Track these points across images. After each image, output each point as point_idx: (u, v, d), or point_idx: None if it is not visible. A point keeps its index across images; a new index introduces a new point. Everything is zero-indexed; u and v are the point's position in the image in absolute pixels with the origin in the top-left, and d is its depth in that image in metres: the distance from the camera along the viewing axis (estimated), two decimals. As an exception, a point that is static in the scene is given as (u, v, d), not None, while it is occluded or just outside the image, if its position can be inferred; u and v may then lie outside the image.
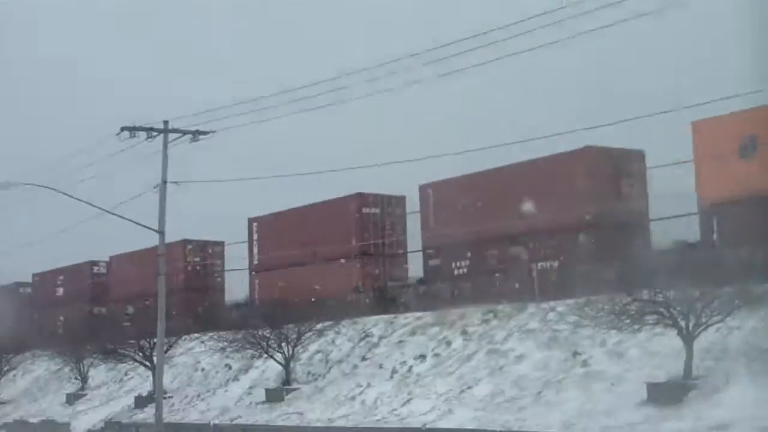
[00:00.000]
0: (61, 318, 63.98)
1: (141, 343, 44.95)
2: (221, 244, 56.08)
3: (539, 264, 37.38)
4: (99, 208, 40.58)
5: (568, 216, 36.18)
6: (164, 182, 40.08)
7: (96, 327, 52.97)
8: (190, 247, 55.49)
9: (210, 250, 56.06)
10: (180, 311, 51.26)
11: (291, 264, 47.26)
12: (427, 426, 30.03)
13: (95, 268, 64.01)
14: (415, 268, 45.05)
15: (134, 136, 39.54)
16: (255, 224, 50.98)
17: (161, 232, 40.57)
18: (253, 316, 42.80)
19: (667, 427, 23.52)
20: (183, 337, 47.74)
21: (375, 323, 40.52)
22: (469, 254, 40.73)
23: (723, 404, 23.43)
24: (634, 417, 24.87)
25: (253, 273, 50.68)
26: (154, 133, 39.84)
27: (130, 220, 39.83)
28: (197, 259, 55.71)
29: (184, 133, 40.06)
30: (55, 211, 51.88)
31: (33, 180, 41.53)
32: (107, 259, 62.85)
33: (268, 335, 39.66)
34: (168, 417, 40.74)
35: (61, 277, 66.45)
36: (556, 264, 37.07)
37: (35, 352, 58.95)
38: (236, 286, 54.04)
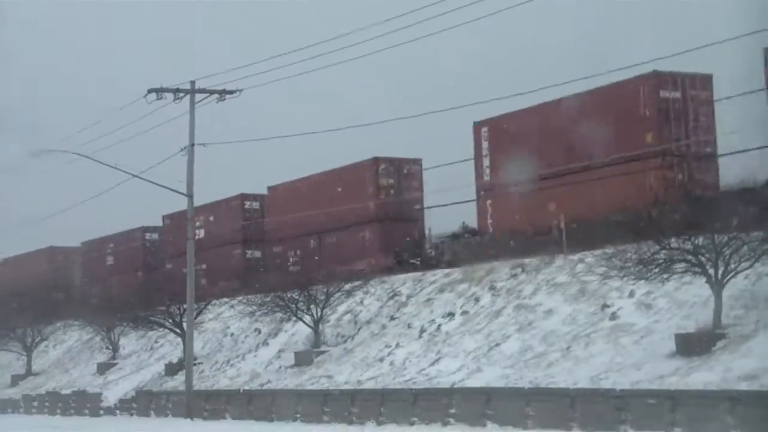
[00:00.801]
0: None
1: (171, 309, 44.76)
2: (419, 162, 46.58)
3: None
4: (128, 173, 40.49)
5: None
6: (192, 145, 39.84)
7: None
8: (382, 166, 45.76)
9: (405, 170, 46.32)
10: (374, 248, 44.89)
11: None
12: (456, 385, 29.59)
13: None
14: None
15: (161, 97, 39.36)
16: (484, 129, 40.52)
17: (190, 196, 40.33)
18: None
19: (696, 378, 22.90)
20: (212, 302, 47.52)
21: (403, 282, 40.08)
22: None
23: (753, 353, 22.76)
24: (663, 369, 24.26)
25: (482, 194, 40.47)
26: (181, 94, 39.59)
27: (158, 185, 39.73)
28: (391, 181, 45.94)
29: (211, 92, 39.81)
30: (86, 179, 52.09)
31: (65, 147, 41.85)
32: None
33: (297, 297, 39.32)
34: (198, 384, 40.65)
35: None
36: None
37: (67, 322, 58.97)
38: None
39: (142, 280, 56.88)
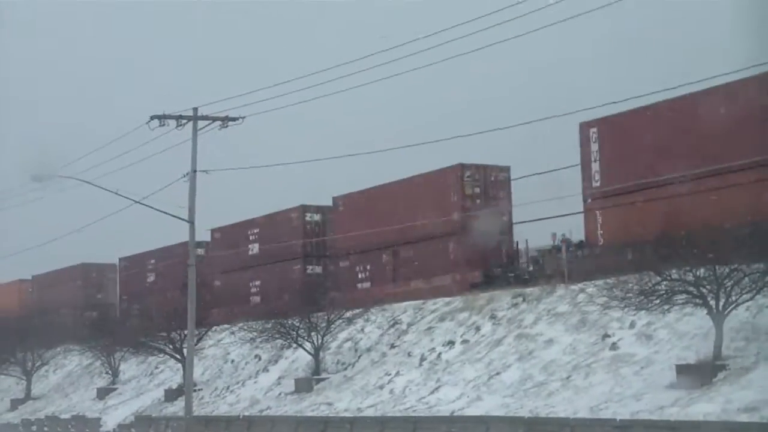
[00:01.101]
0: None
1: (171, 335, 44.73)
2: (506, 169, 42.19)
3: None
4: (130, 198, 40.48)
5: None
6: (194, 171, 39.86)
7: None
8: (468, 173, 41.51)
9: (492, 177, 41.89)
10: (459, 262, 40.81)
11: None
12: (456, 413, 29.57)
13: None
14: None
15: (164, 124, 39.42)
16: (593, 130, 36.38)
17: (191, 222, 40.36)
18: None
19: (696, 409, 22.91)
20: (213, 329, 47.48)
21: (404, 310, 40.07)
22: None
23: (753, 385, 22.82)
24: (664, 400, 24.28)
25: (590, 201, 36.46)
26: (183, 121, 39.67)
27: (160, 210, 39.68)
28: (476, 190, 41.71)
29: (213, 119, 39.81)
30: (87, 204, 52.00)
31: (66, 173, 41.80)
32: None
33: (297, 324, 39.32)
34: (198, 410, 40.55)
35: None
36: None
37: (67, 346, 58.91)
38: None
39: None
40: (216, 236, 54.52)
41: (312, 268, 48.61)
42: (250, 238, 48.36)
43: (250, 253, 47.12)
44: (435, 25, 32.22)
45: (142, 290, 60.70)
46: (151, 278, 61.21)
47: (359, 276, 45.41)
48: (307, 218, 48.83)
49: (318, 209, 49.04)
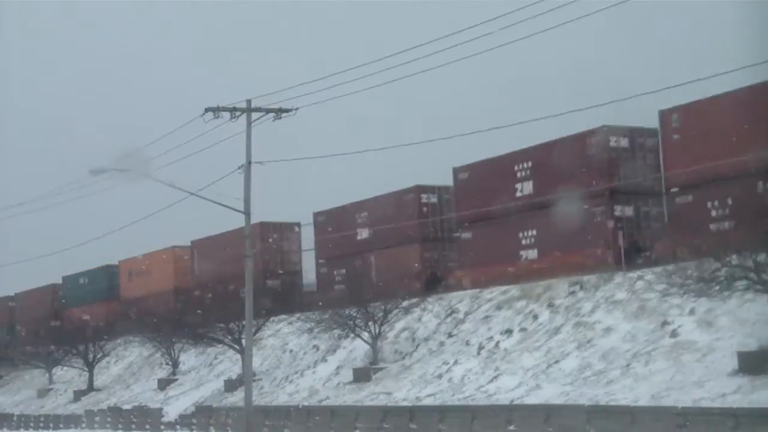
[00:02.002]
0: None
1: (230, 326, 45.07)
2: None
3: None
4: (185, 191, 40.84)
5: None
6: (249, 162, 40.12)
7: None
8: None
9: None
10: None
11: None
12: (515, 402, 29.58)
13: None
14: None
15: (218, 116, 39.70)
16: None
17: (247, 214, 40.60)
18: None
19: (759, 397, 22.77)
20: (271, 319, 47.80)
21: (461, 299, 40.07)
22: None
23: (817, 372, 22.62)
24: (726, 387, 24.16)
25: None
26: (238, 113, 39.93)
27: (215, 202, 40.02)
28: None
29: (267, 111, 40.01)
30: (142, 196, 52.37)
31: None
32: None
33: (354, 314, 39.49)
34: (257, 400, 40.81)
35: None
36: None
37: (127, 338, 59.58)
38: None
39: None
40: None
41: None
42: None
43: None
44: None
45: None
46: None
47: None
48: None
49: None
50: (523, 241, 39.24)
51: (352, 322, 39.61)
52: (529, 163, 39.07)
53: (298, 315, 45.93)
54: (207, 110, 39.47)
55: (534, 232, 38.73)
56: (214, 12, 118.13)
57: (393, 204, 46.10)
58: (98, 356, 58.81)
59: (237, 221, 40.40)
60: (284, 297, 49.70)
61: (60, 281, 73.45)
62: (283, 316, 48.80)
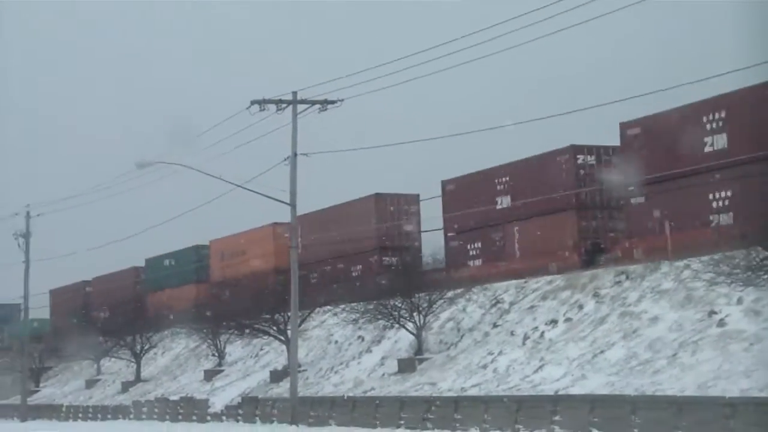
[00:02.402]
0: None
1: (275, 317, 45.20)
2: None
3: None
4: (232, 183, 41.14)
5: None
6: (294, 154, 40.26)
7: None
8: None
9: None
10: None
11: None
12: (560, 392, 29.41)
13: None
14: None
15: (264, 109, 39.88)
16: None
17: (293, 205, 40.71)
18: None
19: (808, 387, 22.46)
20: (316, 310, 47.88)
21: (505, 289, 39.90)
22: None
23: None
24: (774, 377, 23.84)
25: None
26: (283, 105, 40.07)
27: (261, 194, 40.25)
28: None
29: (312, 103, 40.18)
30: (187, 189, 52.61)
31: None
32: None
33: (399, 305, 39.47)
34: (303, 390, 40.96)
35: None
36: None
37: (173, 329, 59.96)
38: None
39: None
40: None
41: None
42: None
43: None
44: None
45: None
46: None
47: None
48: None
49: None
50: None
51: (396, 313, 39.59)
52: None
53: (343, 306, 45.89)
54: (253, 103, 39.75)
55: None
56: (214, 12, 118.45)
57: (540, 167, 40.85)
58: (146, 348, 59.25)
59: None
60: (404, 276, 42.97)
61: (143, 264, 69.83)
62: (328, 307, 48.67)
